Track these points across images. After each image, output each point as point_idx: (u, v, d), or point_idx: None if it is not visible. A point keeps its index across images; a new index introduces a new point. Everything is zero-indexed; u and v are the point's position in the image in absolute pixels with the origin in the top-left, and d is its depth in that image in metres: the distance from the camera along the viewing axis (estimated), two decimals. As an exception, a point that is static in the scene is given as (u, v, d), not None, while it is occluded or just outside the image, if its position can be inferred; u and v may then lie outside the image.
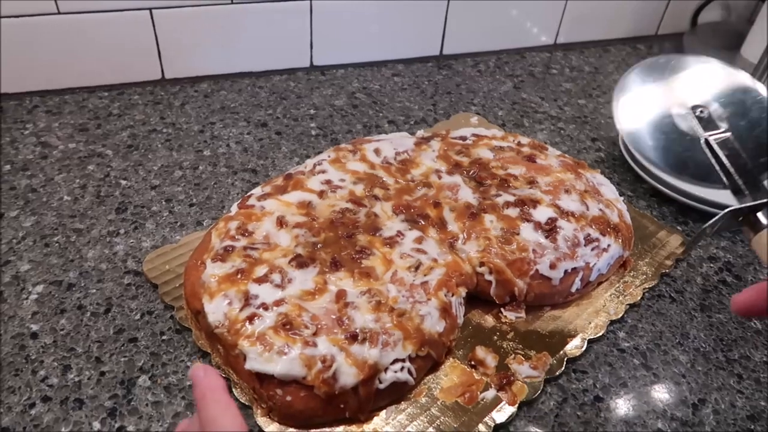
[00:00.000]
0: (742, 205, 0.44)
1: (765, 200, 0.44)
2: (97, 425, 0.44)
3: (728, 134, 0.52)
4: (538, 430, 0.45)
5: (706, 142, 0.51)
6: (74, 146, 0.70)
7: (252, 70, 0.85)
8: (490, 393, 0.47)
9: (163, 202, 0.63)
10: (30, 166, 0.66)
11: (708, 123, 0.54)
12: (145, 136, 0.72)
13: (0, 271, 0.54)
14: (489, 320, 0.53)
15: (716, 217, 0.45)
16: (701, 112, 0.54)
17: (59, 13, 0.72)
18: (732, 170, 0.49)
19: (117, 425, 0.44)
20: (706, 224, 0.46)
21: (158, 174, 0.67)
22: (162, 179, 0.66)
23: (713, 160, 0.51)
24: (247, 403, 0.45)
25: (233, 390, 0.45)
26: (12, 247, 0.57)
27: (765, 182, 0.50)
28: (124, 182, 0.65)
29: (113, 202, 0.62)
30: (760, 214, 0.43)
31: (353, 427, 0.44)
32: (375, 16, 0.85)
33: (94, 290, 0.53)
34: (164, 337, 0.50)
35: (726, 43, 0.97)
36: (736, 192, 0.49)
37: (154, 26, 0.76)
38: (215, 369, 0.38)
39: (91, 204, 0.62)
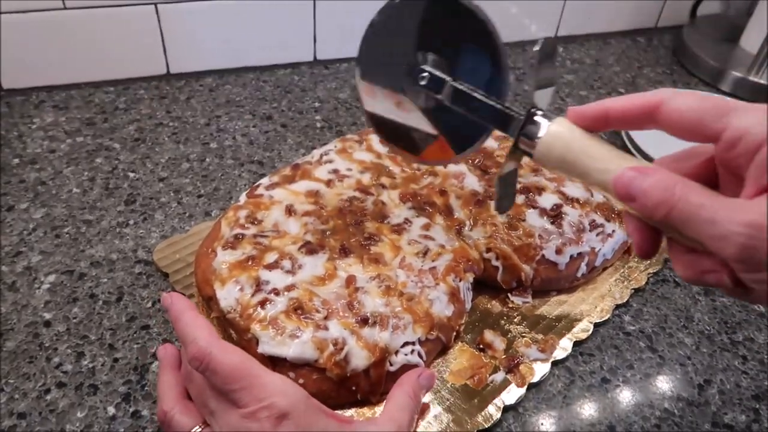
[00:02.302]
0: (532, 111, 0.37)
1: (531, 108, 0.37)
2: (111, 410, 0.44)
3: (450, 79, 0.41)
4: (547, 411, 0.46)
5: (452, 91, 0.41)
6: (82, 140, 0.70)
7: (256, 65, 0.85)
8: (499, 375, 0.47)
9: (172, 194, 0.64)
10: (38, 160, 0.67)
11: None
12: (151, 130, 0.73)
13: (12, 262, 0.55)
14: (496, 305, 0.53)
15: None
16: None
17: (65, 8, 0.72)
18: (489, 101, 0.39)
19: (132, 410, 0.44)
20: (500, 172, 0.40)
21: (166, 166, 0.67)
22: (170, 171, 0.67)
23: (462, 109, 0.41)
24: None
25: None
26: (23, 239, 0.57)
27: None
28: (132, 175, 0.66)
29: (122, 194, 0.63)
30: (537, 118, 0.37)
31: (365, 409, 0.45)
32: (377, 10, 0.86)
33: (106, 279, 0.54)
34: (176, 324, 0.50)
35: (725, 36, 0.98)
36: (504, 122, 0.39)
37: (159, 21, 0.77)
38: (181, 294, 0.41)
39: (100, 196, 0.63)
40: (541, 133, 0.36)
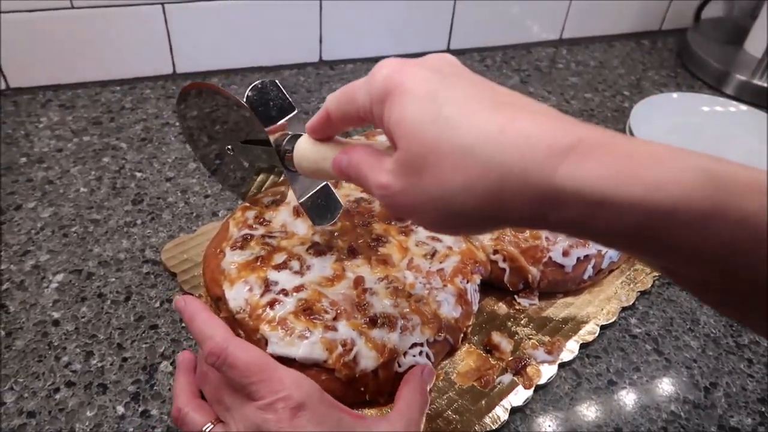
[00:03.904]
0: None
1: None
2: (121, 409, 0.44)
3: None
4: (554, 412, 0.46)
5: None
6: (88, 139, 0.70)
7: (262, 65, 0.86)
8: (507, 377, 0.47)
9: (179, 194, 0.64)
10: (46, 159, 0.67)
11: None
12: (158, 129, 0.73)
13: (20, 261, 0.55)
14: (503, 307, 0.53)
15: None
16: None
17: (72, 7, 0.73)
18: (255, 147, 0.47)
19: (141, 409, 0.45)
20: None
21: (173, 166, 0.67)
22: (176, 171, 0.67)
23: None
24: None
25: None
26: (31, 238, 0.57)
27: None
28: (139, 174, 0.66)
29: (129, 194, 0.63)
30: (286, 142, 0.44)
31: (372, 410, 0.45)
32: (383, 11, 0.86)
33: (114, 279, 0.54)
34: (184, 324, 0.50)
35: (729, 39, 0.98)
36: (271, 157, 0.46)
37: (166, 21, 0.77)
38: (192, 295, 0.42)
39: (107, 195, 0.63)
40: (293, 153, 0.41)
